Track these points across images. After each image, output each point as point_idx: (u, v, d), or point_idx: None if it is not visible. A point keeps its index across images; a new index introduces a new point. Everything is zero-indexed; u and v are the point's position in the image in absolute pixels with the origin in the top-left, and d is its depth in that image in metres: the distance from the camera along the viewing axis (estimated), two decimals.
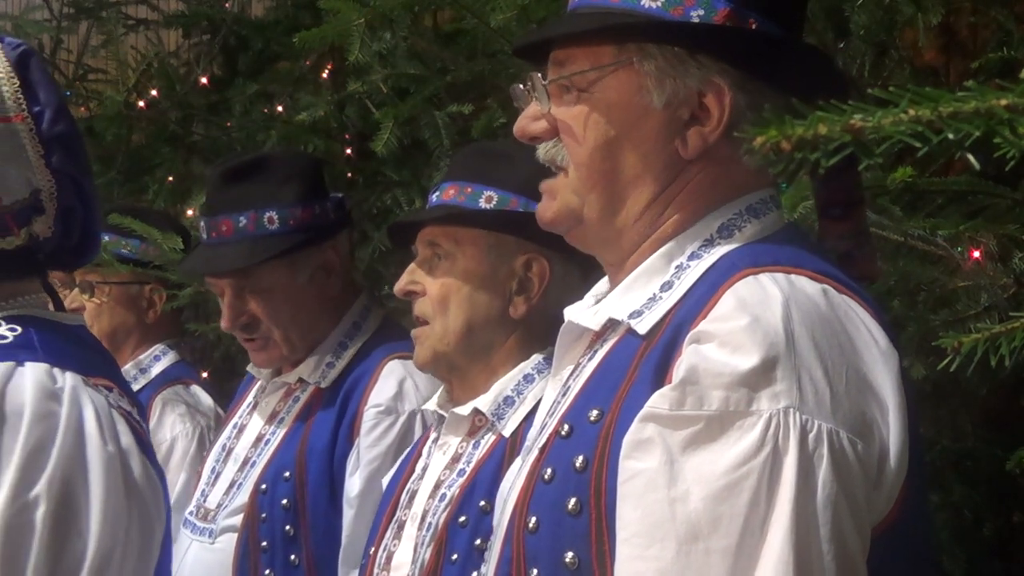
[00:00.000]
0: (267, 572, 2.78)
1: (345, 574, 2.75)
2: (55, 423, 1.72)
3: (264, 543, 2.79)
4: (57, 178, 1.85)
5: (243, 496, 2.84)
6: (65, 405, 1.73)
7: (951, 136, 1.04)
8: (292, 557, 2.78)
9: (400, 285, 2.51)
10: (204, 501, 2.93)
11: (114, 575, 1.71)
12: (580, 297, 1.73)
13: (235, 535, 2.82)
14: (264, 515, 2.80)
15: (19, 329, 1.82)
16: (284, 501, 2.79)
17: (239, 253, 2.85)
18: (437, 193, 2.53)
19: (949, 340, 1.33)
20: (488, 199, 2.45)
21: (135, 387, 3.43)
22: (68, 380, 1.76)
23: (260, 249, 2.84)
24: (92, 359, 1.87)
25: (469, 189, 2.47)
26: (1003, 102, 1.03)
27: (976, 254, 2.47)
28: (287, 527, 2.78)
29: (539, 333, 2.47)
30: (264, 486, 2.82)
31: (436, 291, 2.46)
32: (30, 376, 1.74)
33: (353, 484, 2.76)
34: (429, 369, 2.52)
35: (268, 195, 2.85)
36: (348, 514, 2.76)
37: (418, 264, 2.51)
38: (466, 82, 3.67)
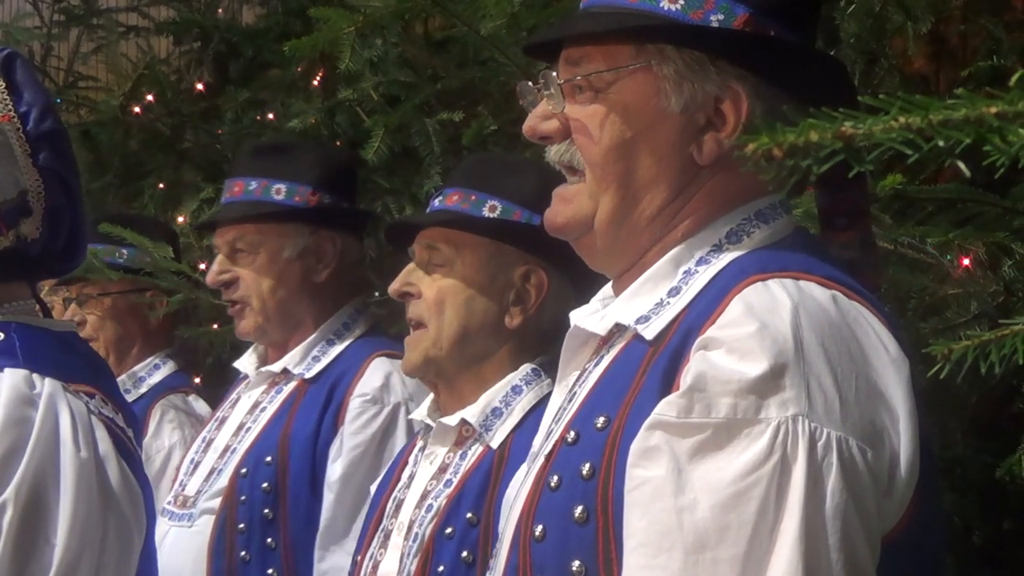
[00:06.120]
0: (243, 554, 2.80)
1: (321, 557, 2.77)
2: (28, 429, 1.73)
3: (241, 525, 2.81)
4: (44, 176, 1.86)
5: (223, 481, 2.87)
6: (40, 410, 1.74)
7: (941, 143, 1.04)
8: (269, 540, 2.80)
9: (395, 286, 2.50)
10: (183, 490, 2.95)
11: None
12: None
13: (213, 517, 2.84)
14: (243, 497, 2.83)
15: (1, 335, 1.83)
16: (264, 484, 2.82)
17: (235, 211, 2.97)
18: (440, 198, 2.52)
19: (939, 347, 1.33)
20: (492, 208, 2.46)
21: (130, 398, 3.43)
22: (46, 386, 1.77)
23: (252, 211, 2.94)
24: (78, 366, 1.87)
25: (473, 197, 2.47)
26: (993, 110, 1.03)
27: (966, 262, 2.47)
28: (266, 510, 2.81)
29: (530, 346, 2.47)
30: (244, 470, 2.85)
31: (432, 294, 2.45)
32: (7, 382, 1.76)
33: (335, 469, 2.80)
34: (418, 374, 2.51)
35: (286, 171, 2.97)
36: (328, 498, 2.80)
37: (415, 266, 2.50)
38: (457, 89, 3.68)
